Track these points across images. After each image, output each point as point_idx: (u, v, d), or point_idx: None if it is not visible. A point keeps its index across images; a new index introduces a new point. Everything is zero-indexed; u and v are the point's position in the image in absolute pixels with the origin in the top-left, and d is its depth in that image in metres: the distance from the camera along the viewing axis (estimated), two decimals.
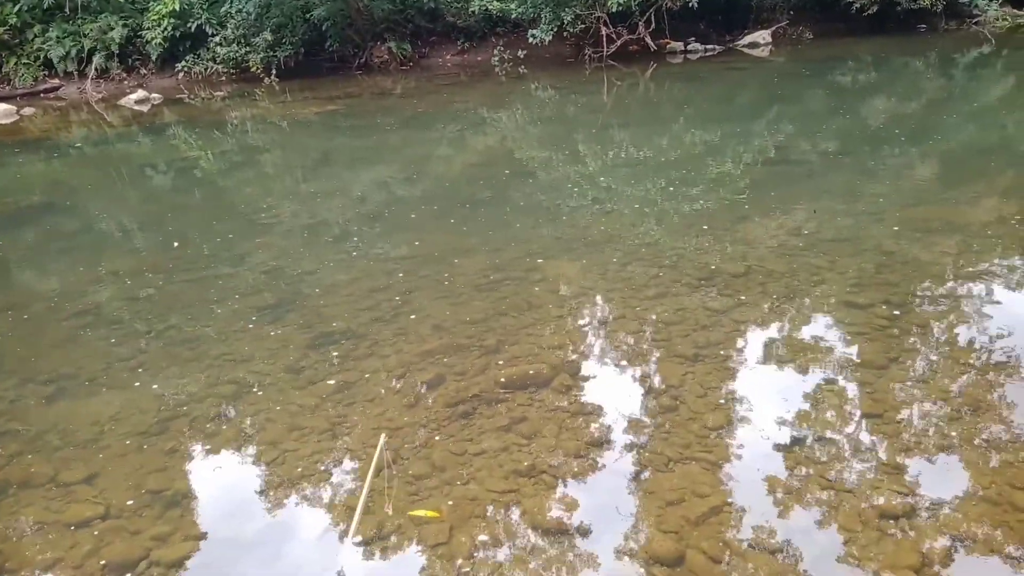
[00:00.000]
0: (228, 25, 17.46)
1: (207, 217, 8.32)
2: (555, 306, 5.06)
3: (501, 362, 4.32)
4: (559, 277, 5.56)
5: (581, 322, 4.85)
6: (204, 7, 17.81)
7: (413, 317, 5.05)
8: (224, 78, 17.94)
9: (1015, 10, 18.45)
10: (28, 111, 15.78)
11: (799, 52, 17.16)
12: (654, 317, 4.78)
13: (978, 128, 9.83)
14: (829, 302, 4.83)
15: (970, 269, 5.22)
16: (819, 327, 4.53)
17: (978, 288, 4.92)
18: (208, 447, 3.87)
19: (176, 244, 7.24)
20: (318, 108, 14.44)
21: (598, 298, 5.23)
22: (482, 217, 7.22)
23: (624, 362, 4.35)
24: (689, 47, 17.94)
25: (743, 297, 4.93)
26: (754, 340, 4.44)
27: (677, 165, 8.83)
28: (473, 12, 18.14)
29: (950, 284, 4.99)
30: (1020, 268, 5.27)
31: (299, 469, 3.56)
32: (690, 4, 16.26)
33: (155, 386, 4.47)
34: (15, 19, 17.83)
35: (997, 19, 17.92)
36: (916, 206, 6.54)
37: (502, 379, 4.14)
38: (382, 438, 3.48)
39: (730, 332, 4.51)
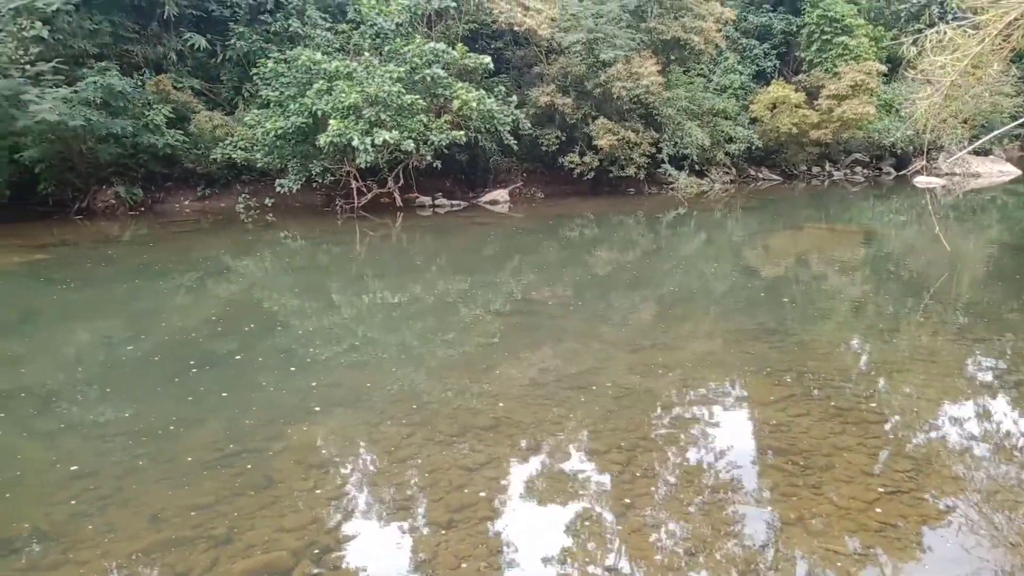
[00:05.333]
0: None
1: None
2: (299, 479, 4.64)
3: (233, 554, 3.78)
4: (305, 445, 5.15)
5: (328, 497, 4.47)
6: None
7: (125, 507, 4.30)
8: None
9: (698, 179, 22.40)
10: None
11: (534, 209, 18.98)
12: (406, 482, 4.57)
13: (683, 275, 11.41)
14: (571, 452, 5.00)
15: (691, 396, 5.82)
16: (564, 478, 4.64)
17: (699, 413, 5.48)
18: None
19: None
20: (23, 257, 12.68)
21: (346, 467, 4.90)
22: (222, 377, 6.60)
23: (374, 538, 4.03)
24: (437, 202, 19.01)
25: (493, 452, 4.93)
26: (505, 497, 4.40)
27: (430, 313, 8.98)
28: (215, 159, 17.64)
29: (675, 413, 5.49)
30: (731, 392, 6.00)
31: None
32: (434, 164, 17.38)
33: None
34: None
35: (687, 186, 21.56)
36: (640, 346, 7.23)
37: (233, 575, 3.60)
38: None
39: (482, 491, 4.43)
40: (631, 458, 4.81)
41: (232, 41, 19.38)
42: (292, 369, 6.76)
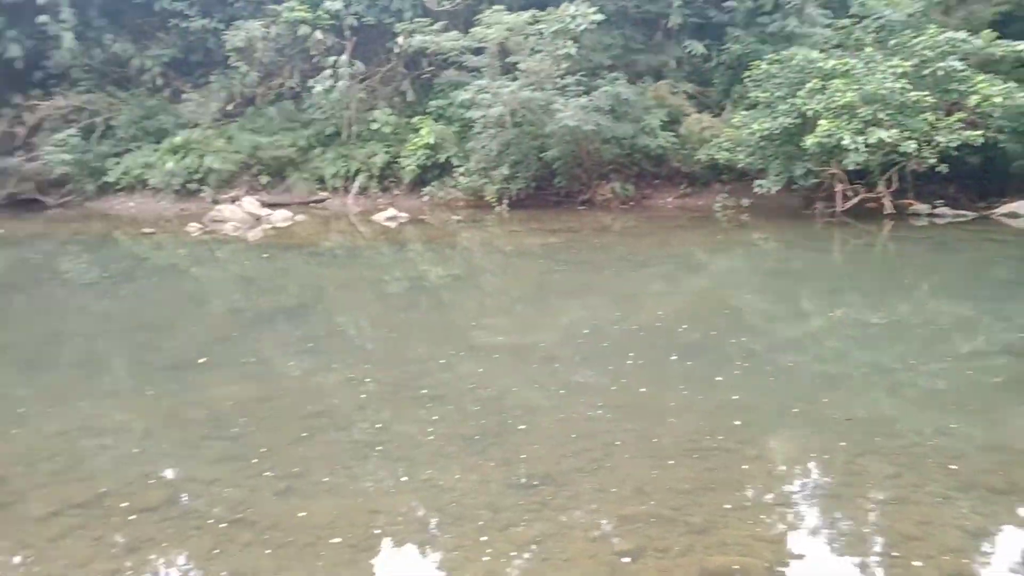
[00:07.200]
0: (472, 158, 19.37)
1: (427, 333, 8.93)
2: (770, 490, 4.69)
3: (708, 546, 4.04)
4: (776, 455, 5.19)
5: (798, 515, 4.43)
6: (455, 142, 19.99)
7: (615, 473, 4.94)
8: (461, 203, 19.75)
9: None
10: (300, 217, 18.46)
11: None
12: (887, 524, 4.24)
13: None
14: None
15: None
16: None
17: None
18: (402, 561, 3.98)
19: (401, 355, 7.83)
20: (541, 239, 15.30)
21: (819, 491, 4.76)
22: (692, 368, 7.04)
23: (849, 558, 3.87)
24: (936, 211, 16.72)
25: (1002, 519, 4.23)
26: None
27: (916, 337, 8.07)
28: (699, 160, 18.54)
29: None
30: None
31: None
32: (937, 168, 15.29)
33: (368, 500, 4.73)
34: (304, 142, 21.29)
35: None
36: None
37: (708, 568, 3.85)
38: None
39: (984, 563, 3.86)
40: None
41: (727, 45, 20.01)
42: (760, 370, 6.85)
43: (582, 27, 18.11)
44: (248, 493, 4.81)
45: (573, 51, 18.12)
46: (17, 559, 4.12)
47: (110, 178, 20.99)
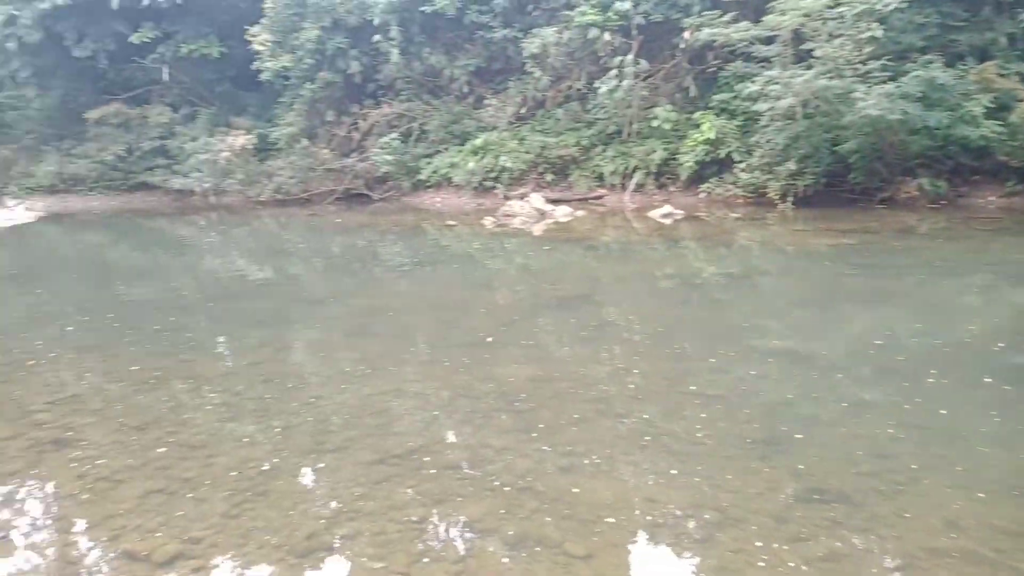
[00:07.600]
0: (755, 153, 18.50)
1: (698, 331, 8.75)
2: None
3: None
4: None
5: None
6: (737, 136, 19.26)
7: (920, 501, 4.46)
8: (740, 200, 18.98)
9: None
10: (579, 213, 19.23)
11: None
12: None
13: None
14: None
15: None
16: None
17: None
18: (674, 551, 4.01)
19: (671, 351, 7.82)
20: (830, 240, 14.14)
21: None
22: (1010, 393, 6.05)
23: None
24: None
25: None
26: None
27: None
28: None
29: None
30: None
31: None
32: None
33: (642, 488, 4.84)
34: (585, 141, 22.08)
35: None
36: None
37: None
38: None
39: None
40: None
41: None
42: None
43: (891, 7, 16.30)
44: (533, 464, 5.20)
45: (879, 33, 16.39)
46: (347, 496, 4.92)
47: (422, 176, 23.88)
